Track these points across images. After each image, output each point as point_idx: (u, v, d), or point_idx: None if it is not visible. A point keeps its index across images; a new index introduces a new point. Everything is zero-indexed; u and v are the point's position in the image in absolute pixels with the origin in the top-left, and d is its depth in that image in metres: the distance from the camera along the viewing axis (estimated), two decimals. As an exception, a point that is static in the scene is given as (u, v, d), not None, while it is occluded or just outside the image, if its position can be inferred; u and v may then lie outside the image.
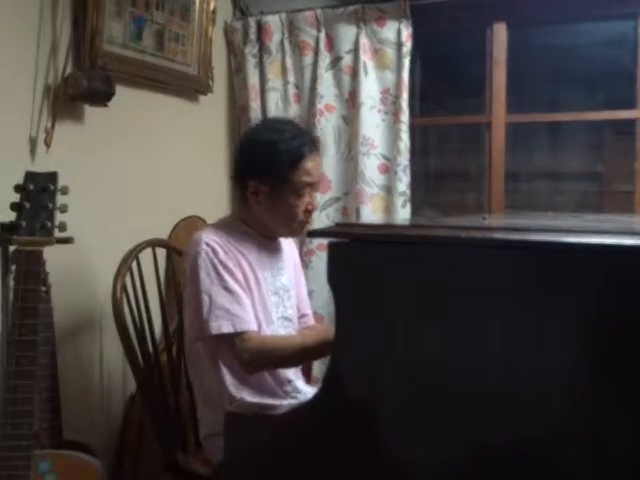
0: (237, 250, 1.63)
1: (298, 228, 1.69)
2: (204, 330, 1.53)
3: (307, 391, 1.70)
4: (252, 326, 1.55)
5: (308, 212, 1.66)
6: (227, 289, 1.55)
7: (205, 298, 1.53)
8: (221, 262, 1.57)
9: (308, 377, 2.01)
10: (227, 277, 1.56)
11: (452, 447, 1.11)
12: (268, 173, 1.61)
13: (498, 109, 2.57)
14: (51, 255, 1.48)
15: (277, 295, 1.71)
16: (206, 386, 1.66)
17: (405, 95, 2.46)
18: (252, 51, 2.63)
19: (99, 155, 2.09)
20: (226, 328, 1.51)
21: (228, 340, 1.54)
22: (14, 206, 1.38)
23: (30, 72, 1.86)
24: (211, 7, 2.48)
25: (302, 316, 1.88)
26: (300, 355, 1.58)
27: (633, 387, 1.01)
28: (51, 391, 1.76)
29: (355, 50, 2.51)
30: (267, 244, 1.72)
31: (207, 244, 1.58)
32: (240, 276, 1.60)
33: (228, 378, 1.60)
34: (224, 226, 1.69)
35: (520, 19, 2.56)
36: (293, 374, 1.73)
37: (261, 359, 1.54)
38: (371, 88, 2.50)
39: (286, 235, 1.77)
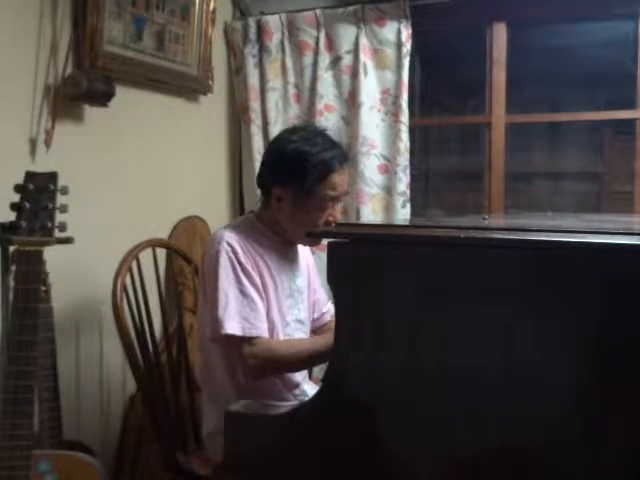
0: (256, 252, 1.63)
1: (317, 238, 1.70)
2: (217, 329, 1.53)
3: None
4: (263, 332, 1.55)
5: (329, 223, 1.65)
6: (243, 292, 1.55)
7: (222, 297, 1.54)
8: (240, 263, 1.57)
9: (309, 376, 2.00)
10: (244, 280, 1.56)
11: (452, 447, 1.11)
12: (294, 182, 1.61)
13: (498, 109, 2.57)
14: (51, 255, 1.48)
15: (292, 298, 1.71)
16: (216, 383, 1.65)
17: (405, 95, 2.46)
18: (252, 51, 2.63)
19: (99, 155, 2.09)
20: (237, 331, 1.52)
21: (237, 343, 1.54)
22: (14, 206, 1.38)
23: (30, 72, 1.86)
24: (211, 7, 2.48)
25: (321, 315, 1.89)
26: (308, 360, 1.59)
27: (633, 387, 1.02)
28: (51, 391, 1.76)
29: (355, 50, 2.50)
30: (284, 247, 1.72)
31: (228, 243, 1.58)
32: (257, 279, 1.60)
33: (241, 379, 1.61)
34: (244, 226, 1.69)
35: (520, 19, 2.56)
36: (301, 377, 1.74)
37: (268, 366, 1.55)
38: (371, 88, 2.50)
39: (304, 243, 1.77)
